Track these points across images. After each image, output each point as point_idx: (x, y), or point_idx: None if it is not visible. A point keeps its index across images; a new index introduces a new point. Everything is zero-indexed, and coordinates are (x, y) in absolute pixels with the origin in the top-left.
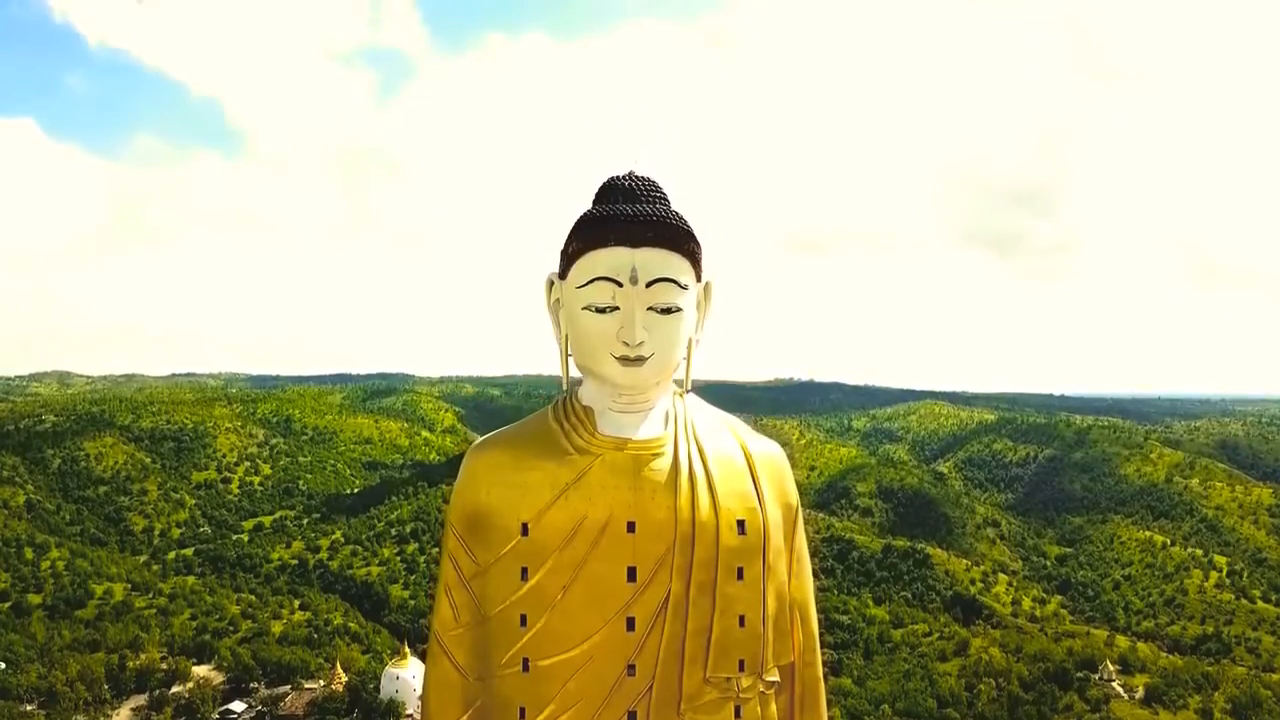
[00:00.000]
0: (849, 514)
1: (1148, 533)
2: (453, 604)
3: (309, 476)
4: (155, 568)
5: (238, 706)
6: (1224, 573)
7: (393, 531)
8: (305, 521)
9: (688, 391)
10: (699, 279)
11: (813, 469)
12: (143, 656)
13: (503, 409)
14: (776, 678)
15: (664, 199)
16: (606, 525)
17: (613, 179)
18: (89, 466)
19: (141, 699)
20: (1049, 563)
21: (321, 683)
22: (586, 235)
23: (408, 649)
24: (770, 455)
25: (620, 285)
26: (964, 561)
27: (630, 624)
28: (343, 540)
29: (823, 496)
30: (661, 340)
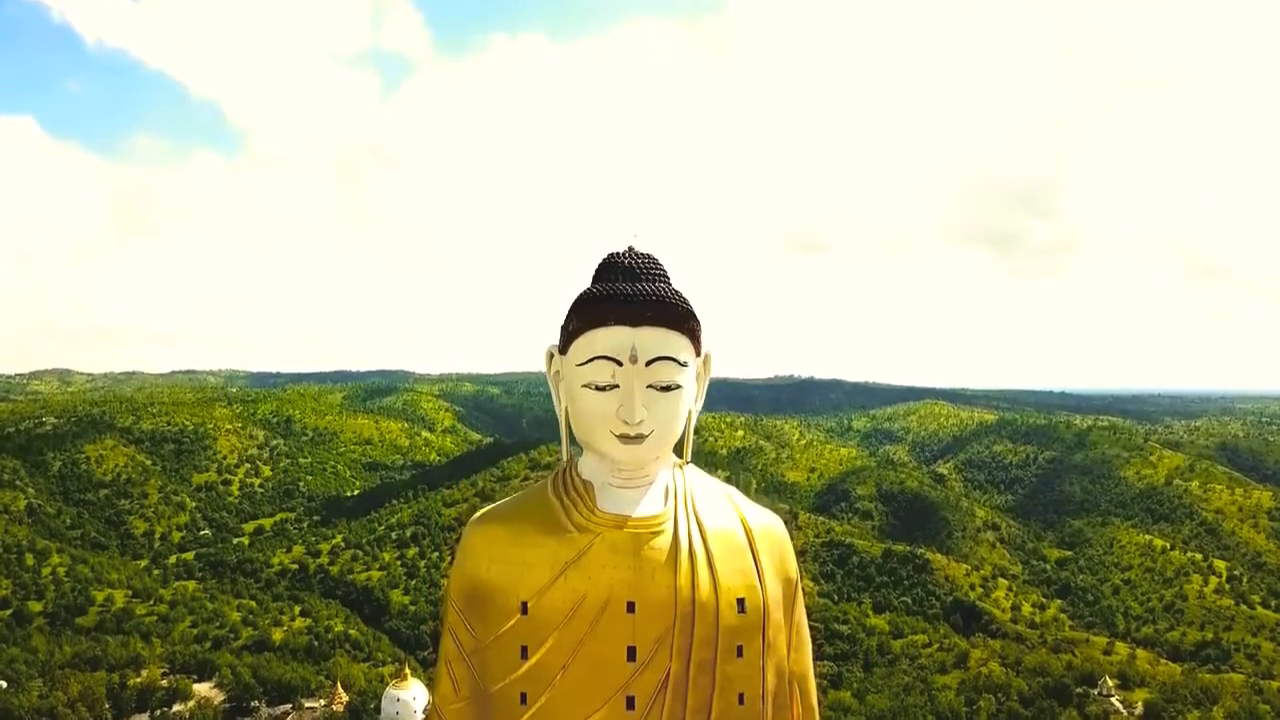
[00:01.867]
0: (849, 517)
1: (1147, 536)
2: (453, 678)
3: (309, 478)
4: (156, 573)
5: None
6: (1223, 578)
7: (393, 535)
8: (305, 524)
9: (687, 463)
10: (698, 354)
11: (812, 470)
12: (144, 674)
13: (502, 408)
14: None
15: (664, 276)
16: (606, 605)
17: (612, 256)
18: (89, 469)
19: (143, 718)
20: (1049, 566)
21: (322, 702)
22: (586, 314)
23: (408, 670)
24: (770, 528)
25: (620, 364)
26: (964, 566)
27: (630, 703)
28: (343, 544)
29: (822, 499)
30: (661, 417)
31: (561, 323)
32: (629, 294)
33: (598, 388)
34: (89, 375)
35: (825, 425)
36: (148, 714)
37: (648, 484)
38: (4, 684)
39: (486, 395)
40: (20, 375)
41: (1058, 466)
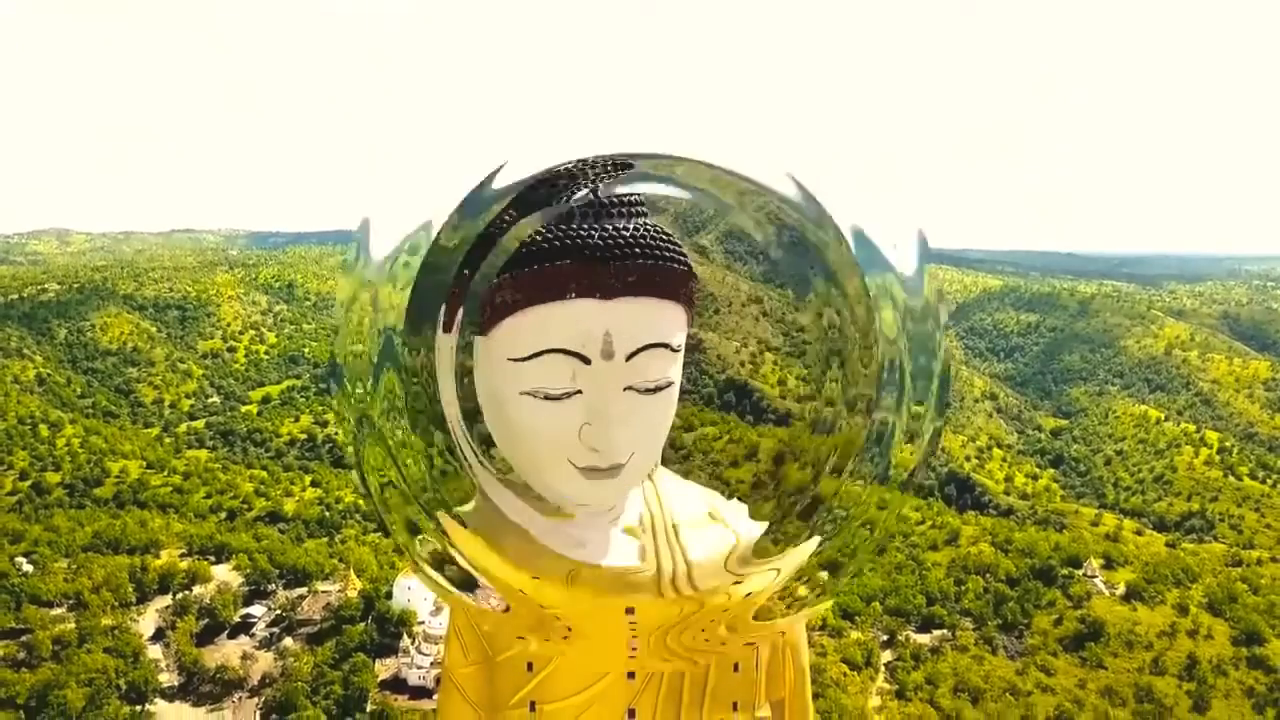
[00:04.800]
0: None
1: (1143, 407)
2: (463, 644)
3: (314, 344)
4: (168, 441)
5: (257, 610)
6: (1214, 449)
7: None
8: (312, 392)
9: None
10: (692, 322)
11: None
12: (164, 556)
13: None
14: (767, 713)
15: (643, 209)
16: (604, 608)
17: (568, 169)
18: (95, 338)
19: (165, 600)
20: (1044, 437)
21: (336, 586)
22: (531, 279)
23: None
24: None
25: (587, 362)
26: (960, 437)
27: (630, 674)
28: None
29: None
30: (643, 433)
31: (469, 276)
32: (598, 245)
33: (547, 396)
34: (87, 235)
35: None
36: (170, 596)
37: (613, 518)
38: (30, 568)
39: None
40: (19, 235)
41: (1060, 335)
